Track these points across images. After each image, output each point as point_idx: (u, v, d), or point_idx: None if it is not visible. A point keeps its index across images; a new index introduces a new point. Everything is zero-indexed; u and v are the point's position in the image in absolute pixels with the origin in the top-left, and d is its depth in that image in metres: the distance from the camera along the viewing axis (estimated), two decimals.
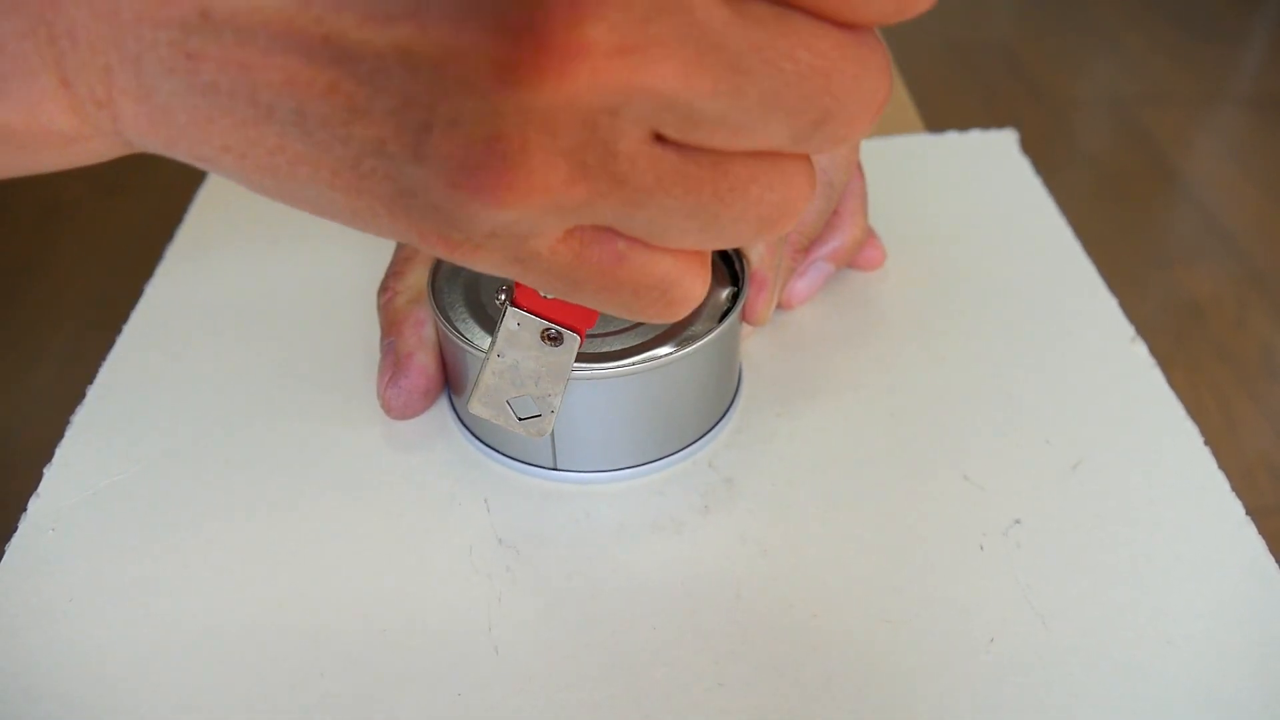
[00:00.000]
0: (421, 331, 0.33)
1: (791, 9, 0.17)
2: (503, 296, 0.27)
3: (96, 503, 0.31)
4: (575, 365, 0.29)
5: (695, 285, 0.21)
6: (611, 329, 0.31)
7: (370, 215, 0.19)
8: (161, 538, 0.30)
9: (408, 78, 0.17)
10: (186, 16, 0.17)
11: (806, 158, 0.20)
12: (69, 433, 0.33)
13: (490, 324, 0.31)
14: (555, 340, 0.27)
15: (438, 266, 0.33)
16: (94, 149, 0.21)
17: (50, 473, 0.32)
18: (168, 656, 0.27)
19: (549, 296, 0.26)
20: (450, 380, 0.34)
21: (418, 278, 0.34)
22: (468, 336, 0.31)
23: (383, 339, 0.34)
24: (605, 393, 0.30)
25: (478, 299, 0.32)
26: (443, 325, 0.31)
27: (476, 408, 0.29)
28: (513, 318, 0.26)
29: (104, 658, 0.27)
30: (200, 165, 0.20)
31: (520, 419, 0.29)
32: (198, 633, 0.28)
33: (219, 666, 0.27)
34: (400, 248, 0.35)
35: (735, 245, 0.20)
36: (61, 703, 0.26)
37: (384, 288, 0.35)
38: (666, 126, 0.18)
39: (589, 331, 0.30)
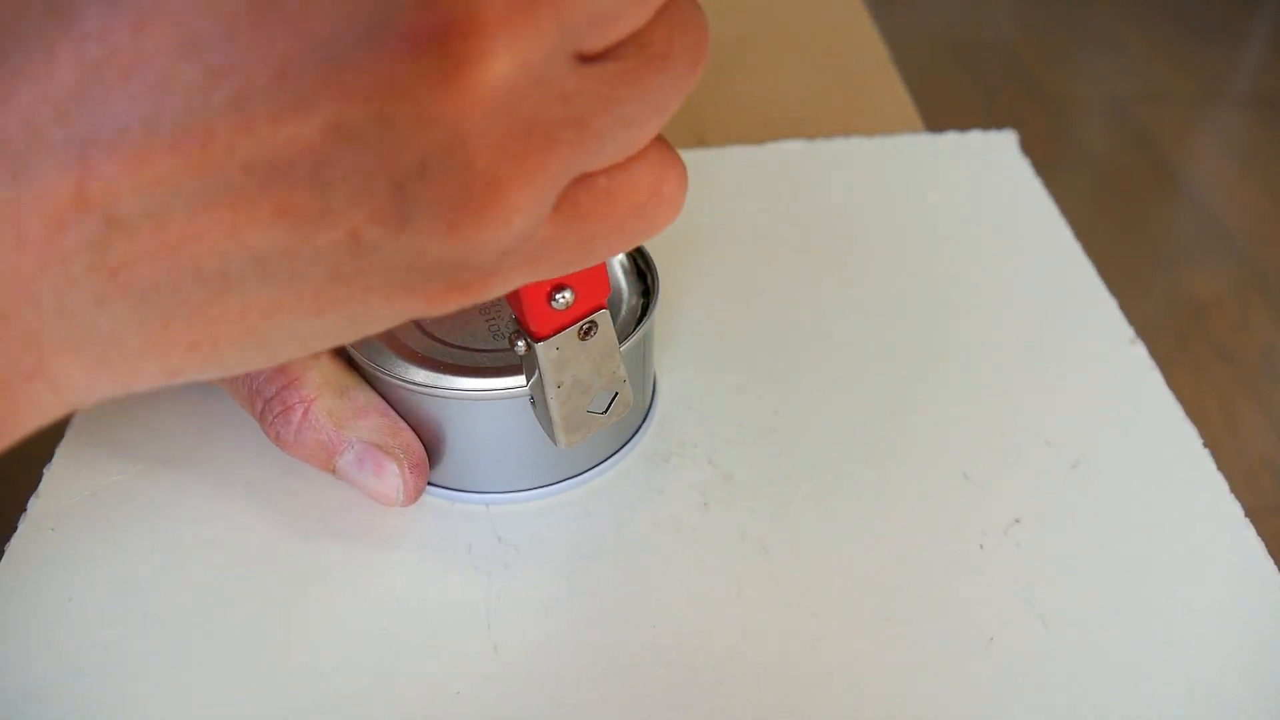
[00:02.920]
0: (376, 407, 0.29)
1: None
2: (521, 343, 0.26)
3: (96, 502, 0.31)
4: (486, 390, 0.28)
5: (675, 168, 0.20)
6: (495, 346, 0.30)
7: (368, 317, 0.18)
8: (160, 537, 0.30)
9: (354, 151, 0.15)
10: (91, 233, 0.15)
11: None
12: (69, 433, 0.33)
13: (405, 349, 0.29)
14: (590, 331, 0.26)
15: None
16: (24, 426, 0.18)
17: (50, 472, 0.32)
18: (167, 656, 0.27)
19: (562, 281, 0.24)
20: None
21: (318, 371, 0.29)
22: (413, 379, 0.29)
23: (337, 450, 0.29)
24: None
25: (387, 335, 0.30)
26: (398, 381, 0.29)
27: (571, 440, 0.28)
28: (549, 348, 0.25)
29: (103, 657, 0.27)
30: (169, 381, 0.18)
31: (603, 413, 0.28)
32: (197, 632, 0.28)
33: (218, 665, 0.27)
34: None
35: (678, 103, 0.19)
36: (61, 702, 0.26)
37: (284, 407, 0.29)
38: (586, 41, 0.17)
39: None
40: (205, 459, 0.33)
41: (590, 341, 0.26)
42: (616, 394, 0.28)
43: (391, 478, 0.29)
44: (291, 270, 0.17)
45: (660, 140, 0.20)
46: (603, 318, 0.26)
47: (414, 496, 0.29)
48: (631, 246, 0.21)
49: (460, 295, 0.19)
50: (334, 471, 0.29)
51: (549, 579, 0.29)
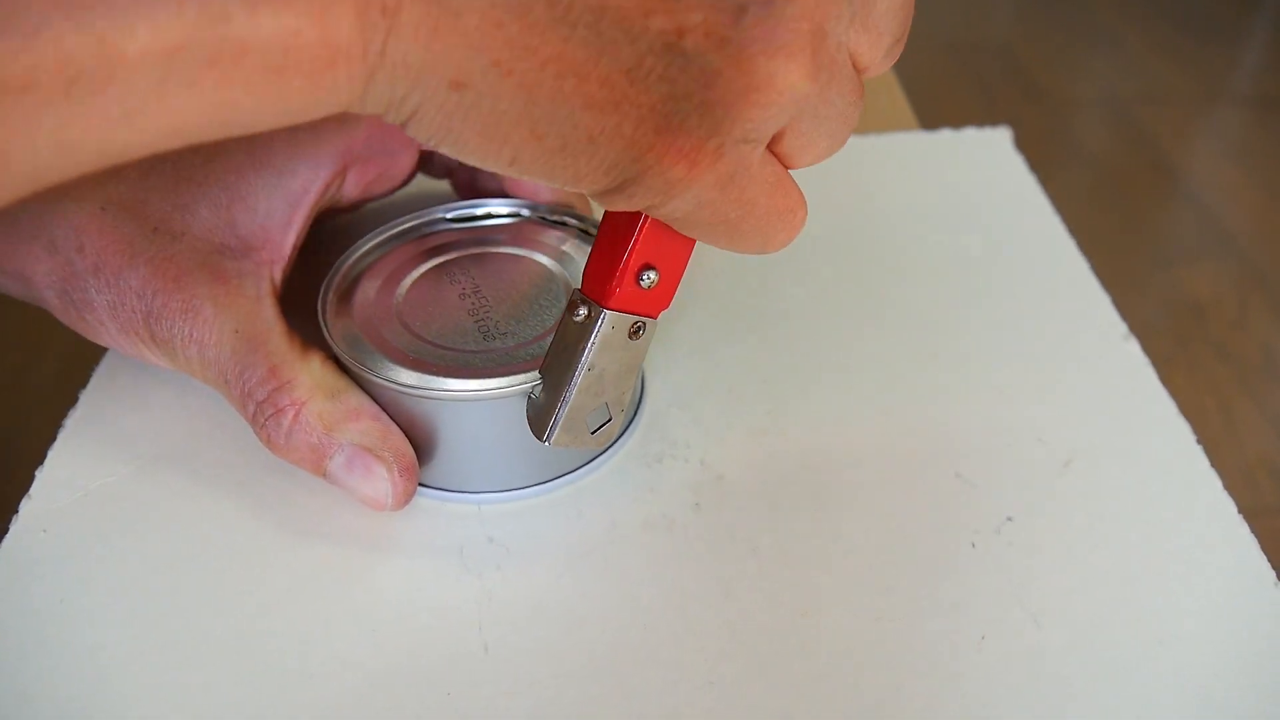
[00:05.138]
0: (368, 411, 0.29)
1: None
2: (584, 309, 0.26)
3: (88, 505, 0.31)
4: (502, 383, 0.28)
5: (805, 208, 0.25)
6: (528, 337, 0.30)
7: (611, 136, 0.20)
8: (153, 539, 0.30)
9: None
10: None
11: None
12: (61, 435, 0.33)
13: (393, 350, 0.29)
14: (637, 333, 0.27)
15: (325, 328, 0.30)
16: (338, 85, 0.18)
17: (42, 475, 0.32)
18: (159, 657, 0.27)
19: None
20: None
21: (310, 374, 0.29)
22: (398, 380, 0.29)
23: (327, 453, 0.29)
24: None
25: (376, 338, 0.30)
26: (388, 384, 0.29)
27: (558, 441, 0.28)
28: (609, 321, 0.26)
29: (96, 659, 0.27)
30: (439, 105, 0.19)
31: (592, 432, 0.28)
32: (189, 633, 0.28)
33: (210, 667, 0.27)
34: (246, 369, 0.29)
35: (851, 130, 0.24)
36: (54, 704, 0.26)
37: (276, 410, 0.28)
38: (856, 23, 0.22)
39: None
40: (196, 461, 0.32)
41: (633, 343, 0.27)
42: (609, 420, 0.29)
43: (380, 481, 0.29)
44: (616, 37, 0.19)
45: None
46: (651, 326, 0.27)
47: (403, 501, 0.29)
48: (751, 242, 0.25)
49: (685, 164, 0.21)
50: (324, 475, 0.29)
51: (540, 579, 0.29)
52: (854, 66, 0.23)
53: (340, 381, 0.30)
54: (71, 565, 0.29)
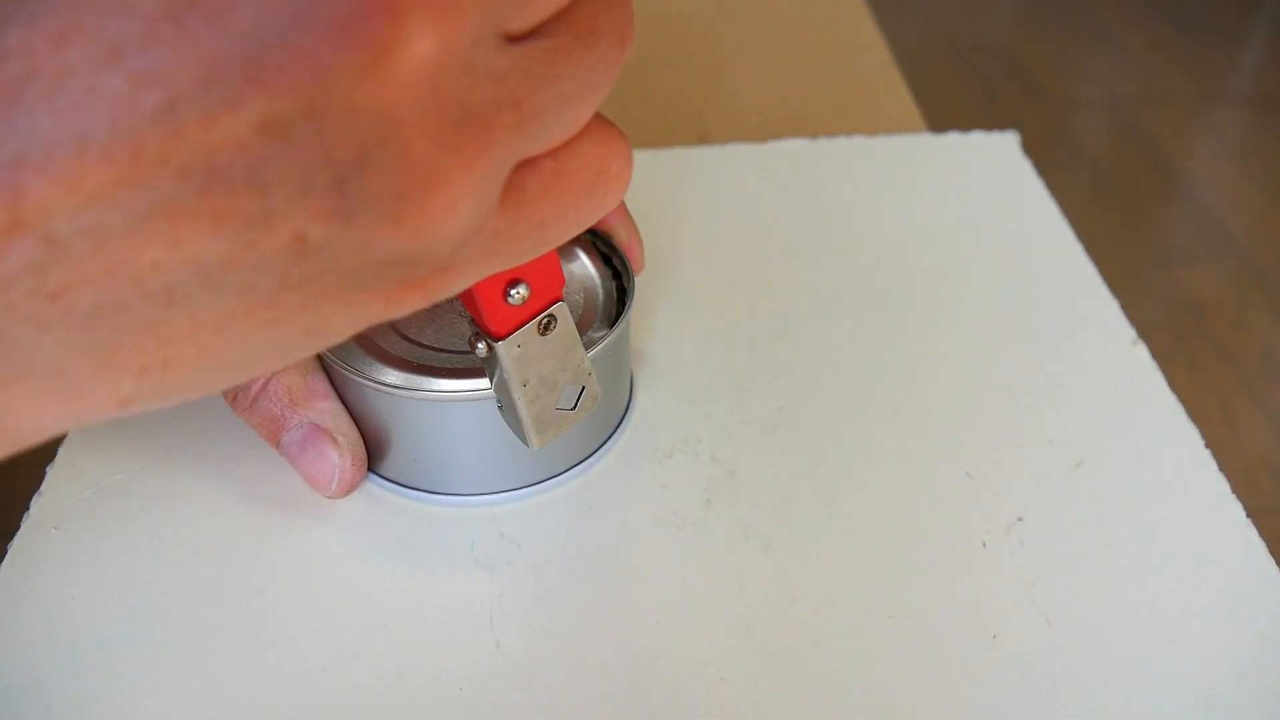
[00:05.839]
0: (334, 396, 0.30)
1: None
2: (482, 345, 0.26)
3: (99, 501, 0.31)
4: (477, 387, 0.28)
5: (619, 143, 0.20)
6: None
7: (326, 325, 0.18)
8: (162, 535, 0.30)
9: (288, 148, 0.15)
10: (30, 256, 0.15)
11: None
12: (72, 431, 0.34)
13: (387, 355, 0.30)
14: (549, 325, 0.26)
15: None
16: None
17: (53, 471, 0.32)
18: (168, 654, 0.27)
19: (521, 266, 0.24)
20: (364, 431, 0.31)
21: None
22: (384, 380, 0.29)
23: (285, 426, 0.29)
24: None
25: (374, 349, 0.30)
26: (364, 381, 0.29)
27: (543, 441, 0.28)
28: (510, 346, 0.25)
29: (106, 655, 0.27)
30: (123, 412, 0.17)
31: (573, 409, 0.28)
32: (198, 630, 0.28)
33: (220, 663, 0.27)
34: None
35: (611, 81, 0.19)
36: (63, 698, 0.26)
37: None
38: (512, 20, 0.17)
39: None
40: (206, 457, 0.33)
41: (551, 336, 0.26)
42: (584, 388, 0.28)
43: (330, 465, 0.29)
44: (240, 281, 0.16)
45: (601, 118, 0.20)
46: (560, 310, 0.26)
47: (346, 489, 0.30)
48: (584, 227, 0.21)
49: (418, 293, 0.18)
50: (278, 446, 0.30)
51: (552, 575, 0.29)
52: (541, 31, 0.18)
53: (311, 363, 0.30)
54: (82, 562, 0.30)
